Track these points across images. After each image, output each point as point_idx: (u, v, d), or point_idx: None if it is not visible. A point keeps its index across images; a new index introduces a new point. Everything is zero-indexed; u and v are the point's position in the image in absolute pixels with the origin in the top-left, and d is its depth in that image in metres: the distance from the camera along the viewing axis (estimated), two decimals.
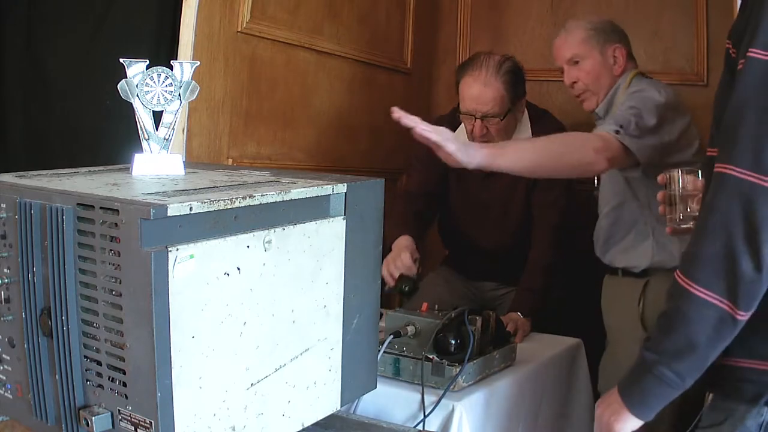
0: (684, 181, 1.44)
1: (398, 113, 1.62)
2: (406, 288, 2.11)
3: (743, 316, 1.12)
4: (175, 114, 1.26)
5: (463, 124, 2.36)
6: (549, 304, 2.28)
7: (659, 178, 1.47)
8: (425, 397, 1.58)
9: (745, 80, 1.14)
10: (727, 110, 1.17)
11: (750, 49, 1.14)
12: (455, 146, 1.68)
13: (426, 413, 1.54)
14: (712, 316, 1.12)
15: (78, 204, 1.00)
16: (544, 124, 2.40)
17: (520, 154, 1.81)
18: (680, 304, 1.15)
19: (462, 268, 2.62)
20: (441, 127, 1.71)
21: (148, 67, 1.23)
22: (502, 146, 1.90)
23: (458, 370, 1.58)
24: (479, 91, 2.24)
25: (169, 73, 1.24)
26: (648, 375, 1.18)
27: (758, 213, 1.09)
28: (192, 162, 1.84)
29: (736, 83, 1.16)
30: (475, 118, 2.26)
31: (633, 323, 2.11)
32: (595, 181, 2.25)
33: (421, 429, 1.44)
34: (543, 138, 1.91)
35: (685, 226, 1.43)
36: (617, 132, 1.88)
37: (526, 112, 2.43)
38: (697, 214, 1.29)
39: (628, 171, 2.04)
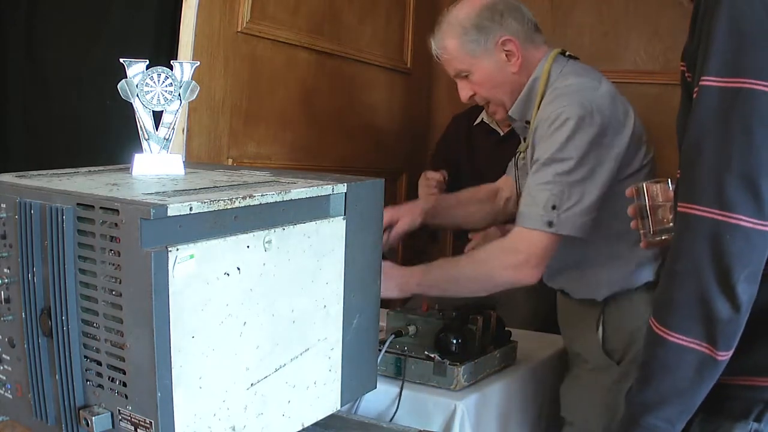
0: (653, 191, 1.35)
1: None
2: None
3: (724, 356, 1.08)
4: (175, 114, 1.26)
5: (483, 112, 2.47)
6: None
7: (627, 191, 1.38)
8: (429, 397, 1.58)
9: (700, 110, 1.09)
10: (684, 143, 1.12)
11: (702, 78, 1.09)
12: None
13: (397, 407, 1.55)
14: (692, 360, 1.08)
15: (78, 204, 0.99)
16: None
17: (436, 286, 1.70)
18: (658, 353, 1.11)
19: None
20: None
21: (148, 67, 1.23)
22: (427, 272, 1.72)
23: (460, 369, 1.58)
24: None
25: (169, 73, 1.24)
26: (637, 428, 1.13)
27: (727, 252, 1.04)
28: (192, 162, 1.84)
29: (691, 113, 1.11)
30: None
31: (594, 349, 1.88)
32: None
33: (422, 429, 1.44)
34: (452, 266, 1.74)
35: (659, 238, 1.34)
36: (550, 224, 1.60)
37: None
38: (672, 225, 1.24)
39: None
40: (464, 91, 1.84)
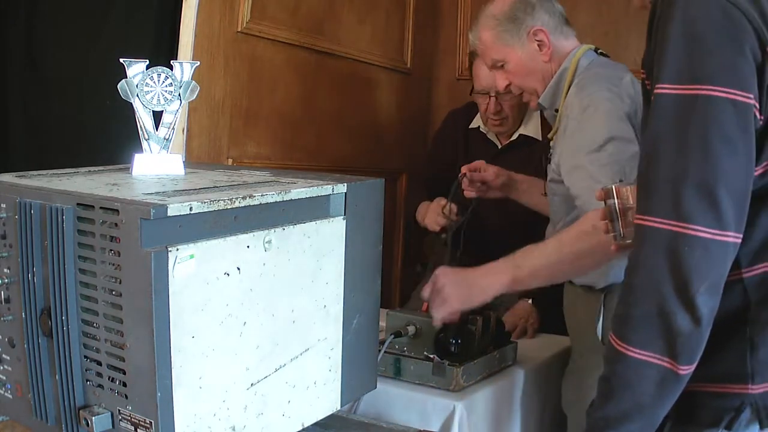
0: (623, 193, 1.29)
1: None
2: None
3: (686, 370, 1.05)
4: (175, 114, 1.26)
5: (478, 106, 2.45)
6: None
7: (597, 193, 1.33)
8: (428, 397, 1.58)
9: (656, 119, 1.05)
10: (641, 153, 1.09)
11: (657, 85, 1.05)
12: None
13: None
14: (653, 375, 1.05)
15: (78, 204, 1.00)
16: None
17: (538, 275, 1.59)
18: (618, 368, 1.08)
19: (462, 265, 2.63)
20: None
21: (148, 67, 1.23)
22: (518, 266, 1.60)
23: (459, 370, 1.58)
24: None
25: (169, 73, 1.24)
26: None
27: (685, 264, 1.00)
28: (192, 162, 1.84)
29: (648, 122, 1.07)
30: (490, 96, 2.36)
31: (593, 339, 1.86)
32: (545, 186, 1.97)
33: (421, 429, 1.44)
34: (553, 248, 1.62)
35: (629, 241, 1.25)
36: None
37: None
38: None
39: None
40: (500, 81, 1.93)
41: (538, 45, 1.84)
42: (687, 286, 1.01)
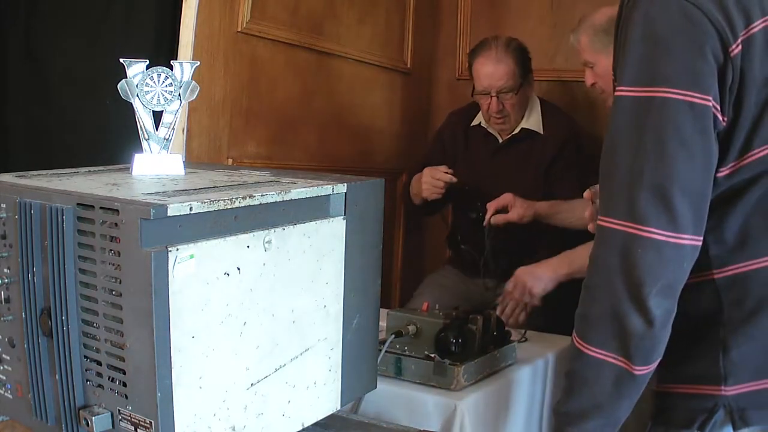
0: None
1: None
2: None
3: (642, 371, 1.05)
4: (175, 114, 1.26)
5: (480, 106, 2.50)
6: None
7: (585, 194, 1.34)
8: (429, 397, 1.58)
9: (614, 121, 1.06)
10: (601, 155, 1.09)
11: (617, 87, 1.05)
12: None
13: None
14: (609, 374, 1.06)
15: (78, 204, 0.99)
16: (553, 111, 2.56)
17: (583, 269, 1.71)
18: (577, 366, 1.10)
19: (465, 264, 2.64)
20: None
21: (148, 67, 1.23)
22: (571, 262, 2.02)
23: (460, 369, 1.58)
24: (493, 68, 2.40)
25: (169, 73, 1.24)
26: None
27: (638, 266, 1.01)
28: (192, 162, 1.84)
29: (608, 125, 1.07)
30: (491, 95, 2.41)
31: None
32: None
33: (422, 429, 1.44)
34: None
35: None
36: None
37: (537, 102, 2.52)
38: None
39: None
40: (588, 79, 2.17)
41: None
42: (640, 288, 1.01)
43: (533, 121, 2.53)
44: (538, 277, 2.09)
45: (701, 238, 1.03)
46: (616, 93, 1.05)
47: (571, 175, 2.42)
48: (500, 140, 2.57)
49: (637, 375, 1.05)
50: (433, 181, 2.44)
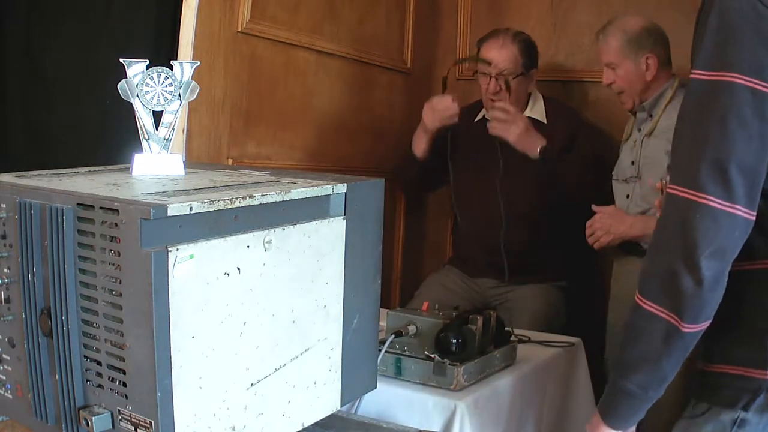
0: None
1: None
2: None
3: (690, 329, 1.14)
4: (175, 114, 1.26)
5: (480, 87, 2.59)
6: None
7: (657, 184, 1.44)
8: (429, 397, 1.58)
9: (686, 102, 1.17)
10: (673, 132, 1.20)
11: (692, 71, 1.16)
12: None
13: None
14: (659, 328, 1.15)
15: (78, 204, 1.00)
16: (556, 103, 2.65)
17: None
18: (633, 319, 1.19)
19: (465, 264, 2.65)
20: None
21: (148, 67, 1.23)
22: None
23: (460, 369, 1.58)
24: (497, 51, 2.53)
25: (169, 73, 1.24)
26: (614, 389, 1.22)
27: (694, 229, 1.11)
28: (192, 162, 1.84)
29: (681, 105, 1.19)
30: (491, 77, 2.51)
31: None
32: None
33: (422, 429, 1.44)
34: None
35: None
36: None
37: (540, 95, 2.56)
38: None
39: None
40: (608, 78, 2.36)
41: (646, 67, 2.29)
42: (694, 250, 1.11)
43: (537, 112, 2.60)
44: (622, 220, 2.26)
45: (754, 213, 1.13)
46: (691, 76, 1.16)
47: (572, 163, 2.46)
48: None
49: (685, 332, 1.14)
50: (440, 106, 2.56)
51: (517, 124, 2.42)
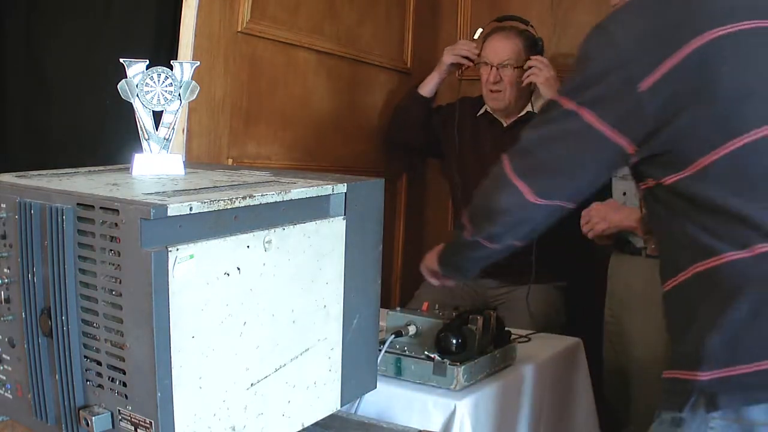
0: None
1: None
2: None
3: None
4: (175, 114, 1.26)
5: (481, 78, 2.62)
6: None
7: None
8: (429, 397, 1.58)
9: (537, 115, 1.39)
10: None
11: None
12: None
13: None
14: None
15: (78, 204, 1.00)
16: None
17: None
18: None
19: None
20: None
21: (148, 67, 1.23)
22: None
23: (460, 369, 1.58)
24: (500, 43, 2.57)
25: (169, 73, 1.24)
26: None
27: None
28: (192, 162, 1.84)
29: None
30: (491, 66, 2.54)
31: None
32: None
33: (422, 429, 1.44)
34: None
35: None
36: None
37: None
38: None
39: None
40: None
41: None
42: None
43: (539, 106, 2.58)
44: (618, 210, 2.26)
45: (559, 203, 1.31)
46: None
47: None
48: (504, 124, 2.61)
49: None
50: (462, 44, 2.67)
51: (548, 70, 2.48)
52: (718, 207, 1.14)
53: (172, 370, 0.96)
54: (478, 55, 2.61)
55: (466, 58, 2.64)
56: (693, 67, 1.13)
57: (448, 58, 2.68)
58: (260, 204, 1.07)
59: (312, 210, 1.16)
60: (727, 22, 1.14)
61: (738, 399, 1.14)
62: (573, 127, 1.22)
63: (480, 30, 2.65)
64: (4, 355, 1.12)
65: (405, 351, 1.64)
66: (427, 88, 2.74)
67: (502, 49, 2.55)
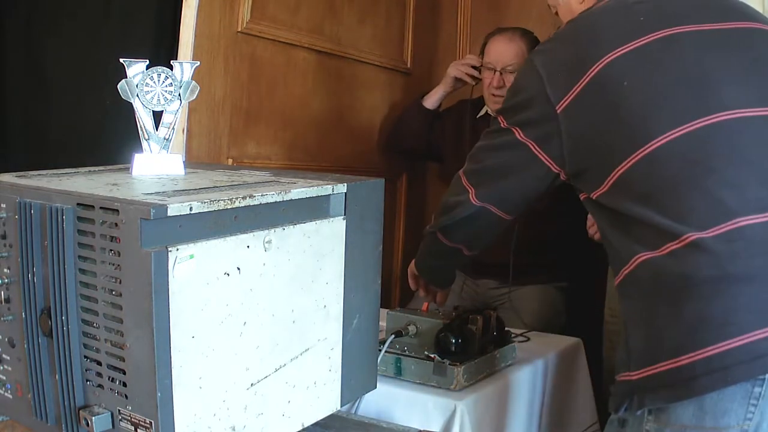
0: None
1: None
2: None
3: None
4: (175, 114, 1.26)
5: (483, 82, 2.62)
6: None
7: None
8: (429, 397, 1.58)
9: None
10: None
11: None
12: None
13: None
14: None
15: (78, 204, 1.00)
16: None
17: None
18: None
19: (467, 265, 2.65)
20: None
21: (148, 67, 1.23)
22: None
23: (460, 369, 1.58)
24: (504, 46, 2.54)
25: (169, 73, 1.24)
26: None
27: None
28: (192, 162, 1.84)
29: None
30: (495, 71, 2.52)
31: None
32: None
33: (422, 429, 1.44)
34: None
35: None
36: None
37: None
38: None
39: None
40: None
41: None
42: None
43: None
44: None
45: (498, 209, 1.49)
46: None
47: None
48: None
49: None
50: (466, 59, 2.67)
51: None
52: (633, 217, 1.21)
53: (172, 370, 0.96)
54: (481, 57, 2.60)
55: (471, 76, 2.63)
56: (597, 90, 1.24)
57: (453, 71, 2.66)
58: (260, 204, 1.07)
59: (312, 210, 1.16)
60: (633, 38, 1.24)
61: (662, 397, 1.16)
62: (507, 140, 1.38)
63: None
64: (4, 355, 1.12)
65: (405, 351, 1.64)
66: (431, 101, 2.73)
67: (506, 52, 2.53)
